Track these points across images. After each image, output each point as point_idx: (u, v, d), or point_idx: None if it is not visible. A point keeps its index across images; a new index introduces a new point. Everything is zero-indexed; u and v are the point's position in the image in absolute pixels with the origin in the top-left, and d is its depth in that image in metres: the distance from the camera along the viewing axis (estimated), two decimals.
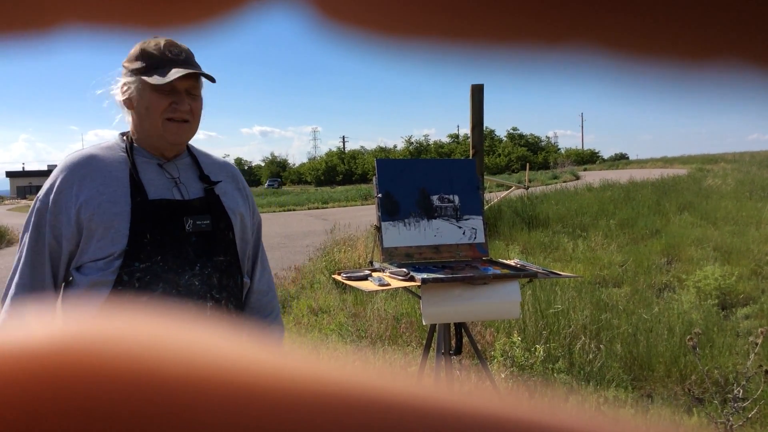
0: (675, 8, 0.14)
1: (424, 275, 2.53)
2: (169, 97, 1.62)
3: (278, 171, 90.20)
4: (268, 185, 69.76)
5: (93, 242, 1.55)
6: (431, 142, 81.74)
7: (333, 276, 2.94)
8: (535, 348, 4.73)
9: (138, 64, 1.62)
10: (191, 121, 1.66)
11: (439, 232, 2.93)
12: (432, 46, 0.15)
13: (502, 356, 4.60)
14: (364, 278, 2.66)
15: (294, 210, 28.22)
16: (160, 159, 1.69)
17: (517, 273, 2.67)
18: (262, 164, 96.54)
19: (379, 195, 2.84)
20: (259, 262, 1.86)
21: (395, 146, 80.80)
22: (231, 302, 1.68)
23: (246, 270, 1.79)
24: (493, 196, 14.63)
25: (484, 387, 3.61)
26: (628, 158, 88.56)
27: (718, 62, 0.14)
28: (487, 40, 0.14)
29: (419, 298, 2.61)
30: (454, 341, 2.78)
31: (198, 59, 1.71)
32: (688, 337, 3.55)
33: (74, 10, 0.15)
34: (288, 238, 15.13)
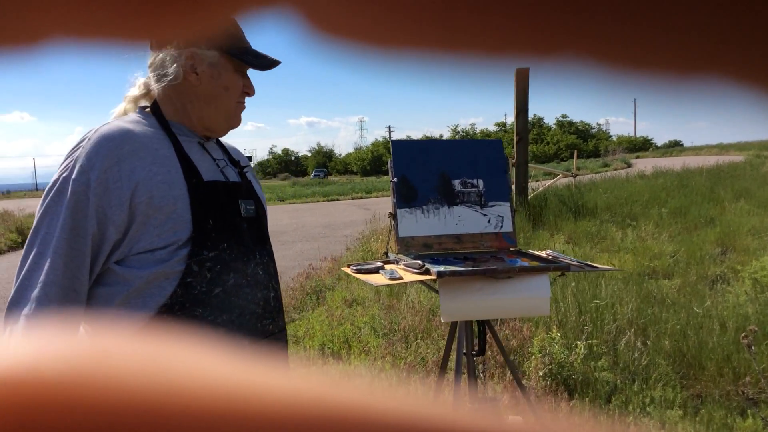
0: (662, 24, 0.14)
1: (441, 268, 2.28)
2: (243, 79, 1.52)
3: (324, 161, 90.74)
4: (314, 175, 70.11)
5: (148, 230, 1.34)
6: (478, 130, 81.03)
7: (342, 269, 2.72)
8: (576, 344, 4.48)
9: (219, 39, 1.46)
10: None
11: (461, 220, 2.67)
12: (426, 57, 0.15)
13: (539, 352, 4.36)
14: (375, 271, 2.43)
15: (338, 200, 28.28)
16: (200, 138, 1.53)
17: (547, 266, 2.40)
18: (309, 154, 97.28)
19: (395, 180, 2.60)
20: None
21: (441, 135, 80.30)
22: (280, 292, 1.57)
23: None
24: (538, 185, 14.33)
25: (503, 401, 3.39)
26: (682, 145, 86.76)
27: (703, 77, 0.15)
28: (479, 50, 0.15)
29: (437, 292, 2.37)
30: (477, 340, 2.53)
31: None
32: (743, 334, 3.27)
33: (61, 25, 0.14)
34: (329, 228, 15.10)
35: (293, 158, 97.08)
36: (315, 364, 5.03)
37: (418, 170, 2.67)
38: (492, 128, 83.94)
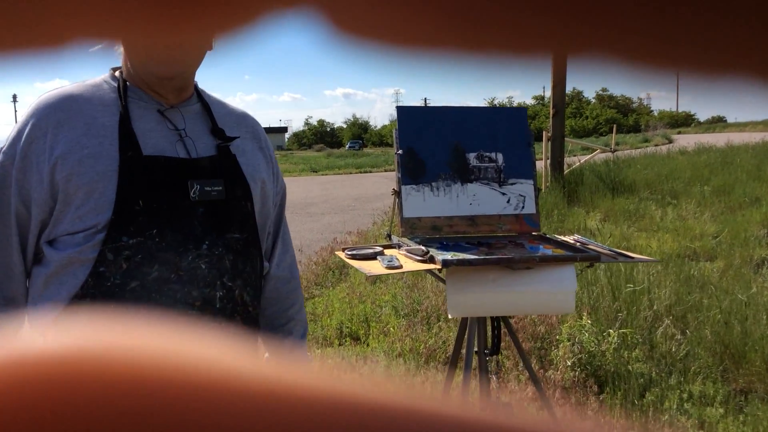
0: (686, 22, 0.14)
1: (448, 256, 1.98)
2: None
3: (360, 133, 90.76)
4: (349, 147, 70.00)
5: (71, 210, 1.22)
6: (515, 103, 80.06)
7: (336, 253, 2.44)
8: (608, 332, 4.17)
9: None
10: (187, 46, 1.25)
11: (476, 200, 2.35)
12: (452, 57, 0.15)
13: (568, 341, 4.06)
14: (373, 257, 2.14)
15: (370, 171, 28.13)
16: (160, 104, 1.30)
17: (573, 255, 2.08)
18: (344, 126, 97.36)
19: (400, 152, 2.30)
20: (280, 242, 1.51)
21: None
22: (247, 292, 1.34)
23: (264, 251, 1.45)
24: (574, 160, 14.03)
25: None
26: (726, 121, 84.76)
27: (730, 77, 0.15)
28: (503, 50, 0.15)
29: (444, 282, 2.08)
30: (491, 337, 2.23)
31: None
32: None
33: (88, 28, 0.14)
34: (358, 200, 14.96)
35: (329, 129, 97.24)
36: (331, 344, 4.82)
37: (427, 141, 2.34)
38: (530, 101, 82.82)
